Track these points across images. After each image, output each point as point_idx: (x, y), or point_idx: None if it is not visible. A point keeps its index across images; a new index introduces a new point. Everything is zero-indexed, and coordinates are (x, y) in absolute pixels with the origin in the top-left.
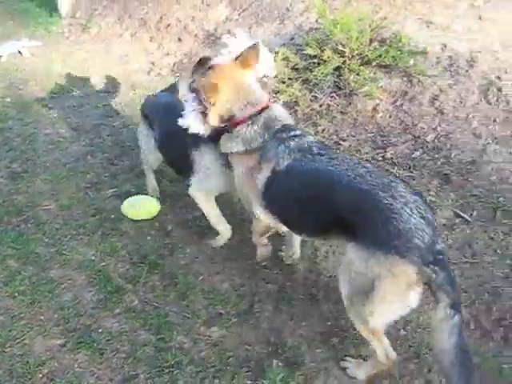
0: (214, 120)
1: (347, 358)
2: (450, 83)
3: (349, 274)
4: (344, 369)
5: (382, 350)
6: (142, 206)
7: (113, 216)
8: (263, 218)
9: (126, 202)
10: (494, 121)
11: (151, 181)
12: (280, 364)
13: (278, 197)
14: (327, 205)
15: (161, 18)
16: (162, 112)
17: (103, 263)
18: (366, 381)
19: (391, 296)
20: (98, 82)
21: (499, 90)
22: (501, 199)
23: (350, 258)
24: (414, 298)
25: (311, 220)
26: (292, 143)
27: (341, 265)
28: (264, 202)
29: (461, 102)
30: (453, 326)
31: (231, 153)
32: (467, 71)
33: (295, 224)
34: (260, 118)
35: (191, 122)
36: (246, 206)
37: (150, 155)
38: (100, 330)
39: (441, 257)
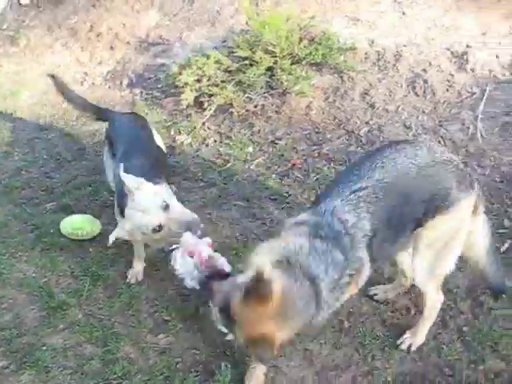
0: None
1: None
2: (379, 77)
3: (431, 247)
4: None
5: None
6: (83, 227)
7: (52, 231)
8: None
9: (66, 224)
10: (423, 112)
11: None
12: (228, 365)
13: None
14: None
15: (91, 26)
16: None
17: (44, 279)
18: (314, 373)
19: (466, 226)
20: (30, 95)
21: (425, 81)
22: None
23: (433, 232)
24: None
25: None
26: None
27: (416, 251)
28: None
29: (390, 95)
30: (488, 226)
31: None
32: (394, 65)
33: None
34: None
35: None
36: None
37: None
38: (44, 348)
39: (471, 177)
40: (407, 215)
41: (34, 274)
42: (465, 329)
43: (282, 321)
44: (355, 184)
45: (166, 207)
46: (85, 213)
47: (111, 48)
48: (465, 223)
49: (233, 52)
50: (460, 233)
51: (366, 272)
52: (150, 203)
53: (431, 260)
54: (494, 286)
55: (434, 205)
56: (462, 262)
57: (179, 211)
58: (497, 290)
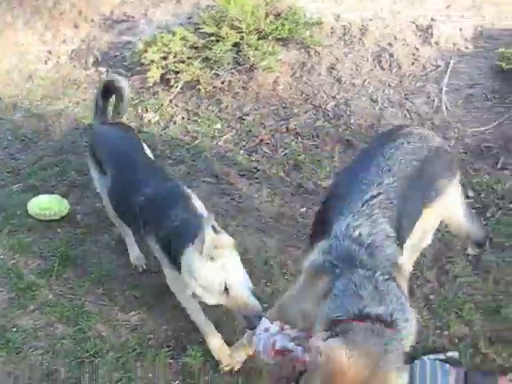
0: None
1: None
2: (345, 52)
3: (418, 231)
4: None
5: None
6: (51, 207)
7: (19, 212)
8: None
9: (33, 205)
10: (389, 85)
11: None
12: (200, 340)
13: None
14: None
15: (54, 4)
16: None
17: (13, 261)
18: None
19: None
20: None
21: (391, 55)
22: None
23: (422, 219)
24: None
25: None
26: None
27: None
28: None
29: (357, 70)
30: (461, 191)
31: None
32: (360, 39)
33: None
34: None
35: None
36: None
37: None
38: (15, 329)
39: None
40: (415, 211)
41: (1, 256)
42: (431, 297)
43: None
44: (366, 193)
45: (226, 290)
46: (52, 193)
47: (75, 26)
48: (449, 206)
49: (199, 28)
50: (443, 215)
51: (403, 262)
52: (210, 283)
53: (415, 242)
54: (477, 240)
55: (430, 194)
56: None
57: (240, 296)
58: (481, 242)
